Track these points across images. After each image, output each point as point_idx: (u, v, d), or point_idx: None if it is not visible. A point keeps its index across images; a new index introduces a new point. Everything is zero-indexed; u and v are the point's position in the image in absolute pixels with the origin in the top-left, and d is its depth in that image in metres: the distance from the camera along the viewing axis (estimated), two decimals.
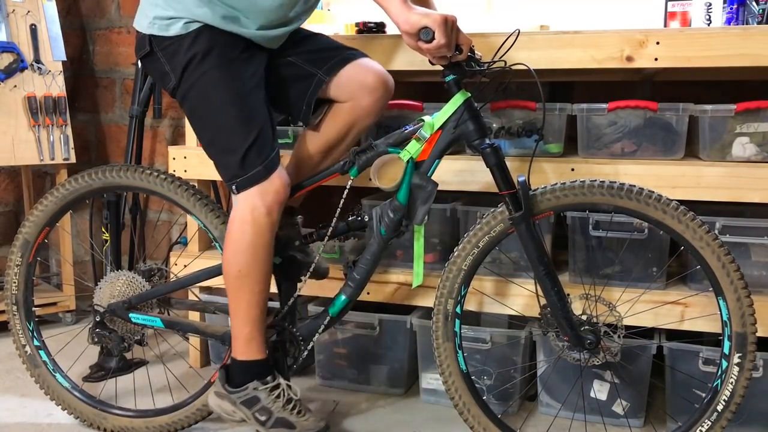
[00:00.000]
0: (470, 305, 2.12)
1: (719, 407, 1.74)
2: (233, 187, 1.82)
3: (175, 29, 1.79)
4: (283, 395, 1.87)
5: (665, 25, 2.25)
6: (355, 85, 1.93)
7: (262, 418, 1.86)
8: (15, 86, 2.84)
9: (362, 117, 1.96)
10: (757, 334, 1.73)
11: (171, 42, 1.80)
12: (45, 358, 2.16)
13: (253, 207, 1.79)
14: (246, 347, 1.86)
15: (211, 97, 1.80)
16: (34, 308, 2.18)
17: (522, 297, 2.10)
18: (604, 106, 2.09)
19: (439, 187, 1.86)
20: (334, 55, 1.95)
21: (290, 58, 1.94)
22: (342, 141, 1.98)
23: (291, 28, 1.91)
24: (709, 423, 1.75)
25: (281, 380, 1.90)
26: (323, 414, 2.19)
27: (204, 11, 1.77)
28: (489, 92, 1.90)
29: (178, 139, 3.16)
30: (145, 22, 1.84)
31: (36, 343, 2.16)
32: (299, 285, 1.99)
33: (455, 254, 1.88)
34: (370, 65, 1.95)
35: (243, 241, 1.81)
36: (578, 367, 1.96)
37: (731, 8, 2.15)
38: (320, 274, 2.08)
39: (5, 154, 2.81)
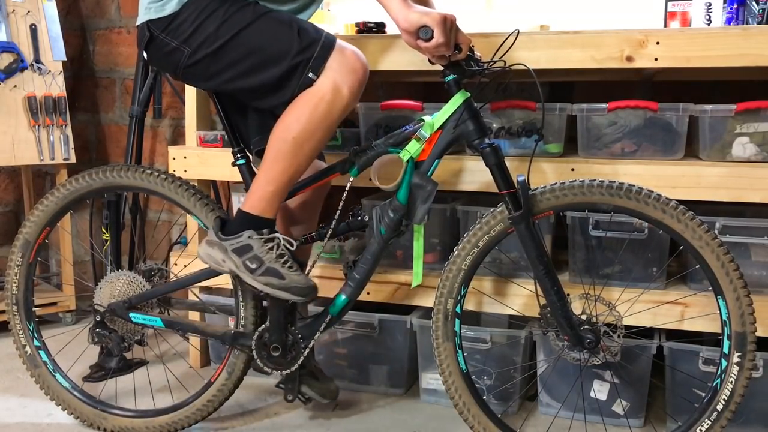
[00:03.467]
0: (470, 305, 2.12)
1: (719, 407, 1.74)
2: (309, 73, 1.77)
3: (170, 6, 1.80)
4: (277, 248, 1.83)
5: (665, 25, 2.25)
6: None
7: (252, 266, 1.82)
8: (15, 86, 2.84)
9: None
10: (757, 334, 1.73)
11: (170, 20, 1.80)
12: (45, 358, 2.16)
13: (334, 83, 1.76)
14: (258, 202, 1.83)
15: (241, 30, 1.78)
16: (34, 308, 2.17)
17: (522, 297, 2.10)
18: (604, 106, 2.09)
19: (439, 187, 1.86)
20: None
21: None
22: None
23: None
24: (709, 422, 1.75)
25: (279, 235, 1.86)
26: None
27: None
28: (489, 92, 1.90)
29: (178, 139, 3.16)
30: (142, 13, 1.85)
31: (36, 343, 2.16)
32: None
33: (455, 254, 1.88)
34: None
35: (312, 114, 1.76)
36: (578, 367, 1.97)
37: (731, 8, 2.15)
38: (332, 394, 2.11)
39: (5, 154, 2.81)
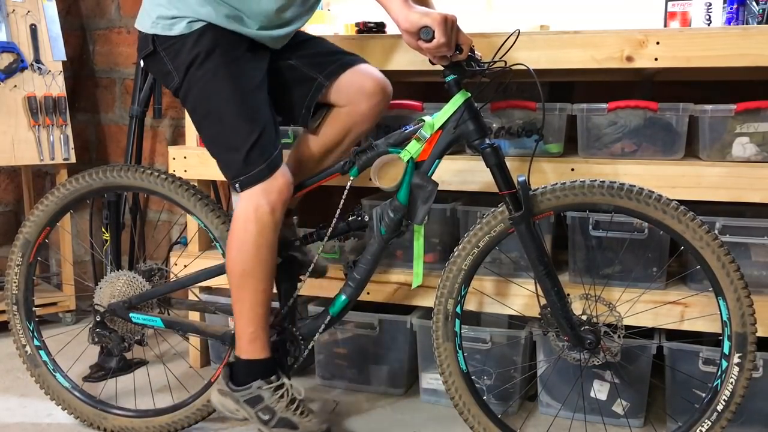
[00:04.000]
0: (470, 305, 2.12)
1: (719, 407, 1.74)
2: (236, 185, 1.82)
3: (178, 28, 1.79)
4: (287, 395, 1.87)
5: (665, 25, 2.25)
6: (354, 90, 1.95)
7: (265, 418, 1.86)
8: (15, 86, 2.84)
9: (360, 121, 1.98)
10: (757, 334, 1.73)
11: (174, 41, 1.80)
12: (45, 357, 2.16)
13: (257, 206, 1.80)
14: (250, 346, 1.86)
15: (214, 95, 1.80)
16: (34, 308, 2.18)
17: (522, 297, 2.10)
18: (604, 106, 2.09)
19: (439, 187, 1.86)
20: (334, 60, 1.97)
21: (291, 61, 1.95)
22: (339, 144, 1.99)
23: (292, 29, 1.91)
24: (709, 423, 1.75)
25: (285, 380, 1.90)
26: (325, 415, 2.19)
27: (207, 10, 1.77)
28: (489, 92, 1.90)
29: (178, 139, 3.16)
30: (148, 22, 1.84)
31: (36, 343, 2.16)
32: (299, 285, 1.99)
33: (455, 254, 1.88)
34: (369, 71, 1.97)
35: (247, 240, 1.81)
36: (578, 367, 1.96)
37: (731, 8, 2.15)
38: (319, 273, 2.08)
39: (5, 154, 2.81)
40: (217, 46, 1.78)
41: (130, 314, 2.04)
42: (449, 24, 1.67)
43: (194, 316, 2.45)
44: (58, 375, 2.15)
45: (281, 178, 1.82)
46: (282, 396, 1.86)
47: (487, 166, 1.80)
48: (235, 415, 1.91)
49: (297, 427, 1.86)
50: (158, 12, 1.81)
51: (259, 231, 1.80)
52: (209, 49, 1.78)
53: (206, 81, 1.80)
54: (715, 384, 1.77)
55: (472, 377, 1.95)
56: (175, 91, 1.87)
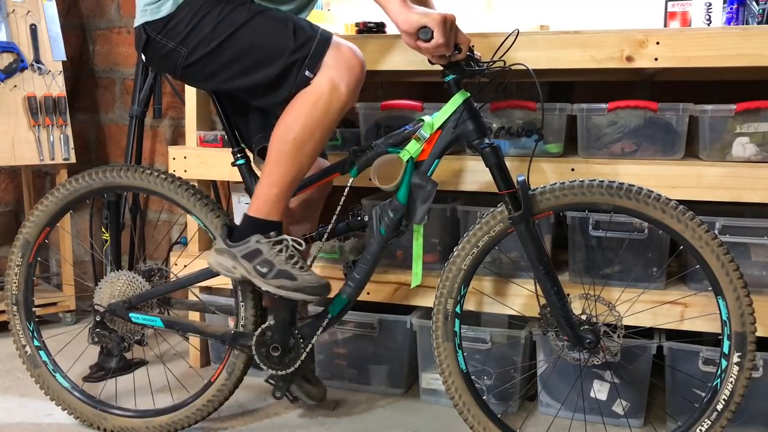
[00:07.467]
0: (470, 305, 2.12)
1: (719, 407, 1.74)
2: (306, 72, 1.77)
3: (166, 8, 1.80)
4: (286, 250, 1.83)
5: (665, 25, 2.25)
6: None
7: (263, 270, 1.81)
8: (15, 86, 2.84)
9: None
10: (757, 334, 1.73)
11: (166, 21, 1.81)
12: (45, 358, 2.15)
13: (331, 81, 1.75)
14: (264, 205, 1.82)
15: (237, 30, 1.78)
16: (34, 308, 2.17)
17: (522, 297, 2.10)
18: (604, 106, 2.09)
19: (439, 187, 1.86)
20: None
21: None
22: None
23: None
24: (709, 422, 1.75)
25: (287, 237, 1.85)
26: (325, 410, 2.18)
27: None
28: (489, 92, 1.91)
29: (178, 139, 3.16)
30: (138, 15, 1.86)
31: (36, 343, 2.16)
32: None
33: (455, 254, 1.88)
34: None
35: (311, 113, 1.76)
36: (578, 367, 1.97)
37: (731, 8, 2.15)
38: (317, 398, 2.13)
39: (5, 154, 2.81)
40: (208, 1, 1.79)
41: (130, 314, 2.04)
42: (448, 24, 1.67)
43: (194, 316, 2.45)
44: (57, 375, 2.15)
45: (346, 47, 1.78)
46: (281, 251, 1.82)
47: (487, 166, 1.80)
48: (231, 274, 1.86)
49: (296, 278, 1.80)
50: (145, 1, 1.83)
51: (326, 108, 1.76)
52: (205, 7, 1.78)
53: (220, 28, 1.78)
54: (714, 383, 1.77)
55: (472, 377, 1.95)
56: (188, 57, 1.83)
